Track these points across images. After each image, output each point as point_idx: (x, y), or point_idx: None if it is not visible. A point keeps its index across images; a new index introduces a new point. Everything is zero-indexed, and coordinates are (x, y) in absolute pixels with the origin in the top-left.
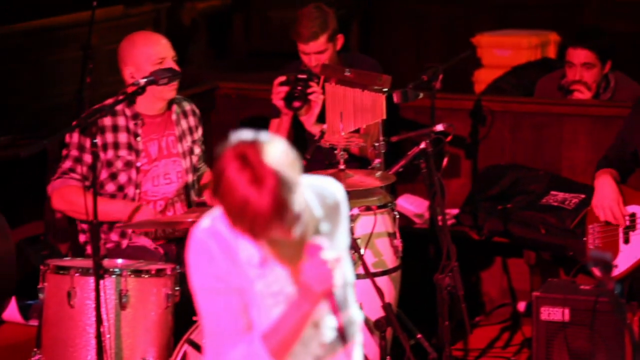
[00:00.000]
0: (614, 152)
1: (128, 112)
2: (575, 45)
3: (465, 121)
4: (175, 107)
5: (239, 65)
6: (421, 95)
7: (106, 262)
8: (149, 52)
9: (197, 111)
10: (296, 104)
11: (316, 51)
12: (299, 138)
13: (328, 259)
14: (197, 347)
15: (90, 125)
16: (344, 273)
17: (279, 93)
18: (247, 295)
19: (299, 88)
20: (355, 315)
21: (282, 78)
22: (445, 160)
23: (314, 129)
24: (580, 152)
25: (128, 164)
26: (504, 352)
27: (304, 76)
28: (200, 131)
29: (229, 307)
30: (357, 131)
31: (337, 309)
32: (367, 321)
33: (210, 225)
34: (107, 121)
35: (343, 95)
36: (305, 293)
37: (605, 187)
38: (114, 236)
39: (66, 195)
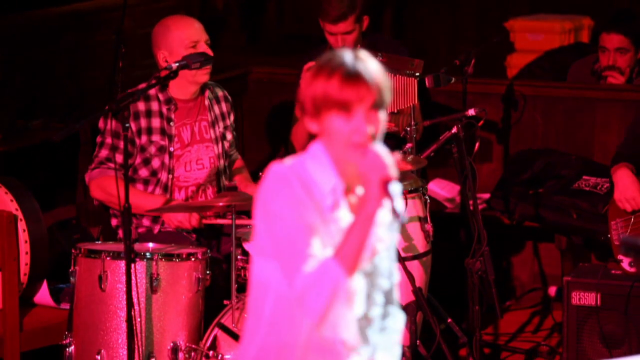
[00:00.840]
0: (625, 148)
1: (161, 96)
2: (608, 31)
3: (497, 106)
4: (208, 93)
5: (272, 50)
6: (453, 79)
7: (137, 246)
8: (182, 36)
9: (230, 97)
10: None
11: (344, 31)
12: None
13: (379, 151)
14: (228, 331)
15: (122, 109)
16: (391, 267)
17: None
18: (320, 234)
19: None
20: (398, 317)
21: (311, 63)
22: (476, 145)
23: None
24: (613, 136)
25: (161, 149)
26: (535, 337)
27: None
28: (232, 117)
29: (303, 232)
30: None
31: (392, 198)
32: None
33: (290, 164)
34: (141, 106)
35: None
36: (364, 186)
37: (626, 179)
38: (146, 221)
39: (105, 186)
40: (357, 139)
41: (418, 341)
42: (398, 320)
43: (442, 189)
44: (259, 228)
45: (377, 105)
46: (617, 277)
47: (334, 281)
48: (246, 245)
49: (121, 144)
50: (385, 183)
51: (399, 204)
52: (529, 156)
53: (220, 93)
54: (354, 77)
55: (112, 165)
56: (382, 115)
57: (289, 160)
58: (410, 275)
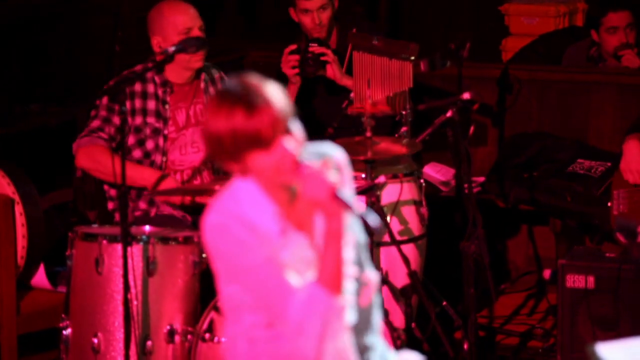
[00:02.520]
0: None
1: (157, 79)
2: (616, 9)
3: (492, 89)
4: (204, 75)
5: (269, 34)
6: (448, 63)
7: (134, 230)
8: (175, 22)
9: (226, 79)
10: (309, 69)
11: (319, 6)
12: (324, 108)
13: (314, 169)
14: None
15: (119, 91)
16: (355, 232)
17: (289, 62)
18: (282, 263)
19: (310, 55)
20: (372, 277)
21: (293, 47)
22: (471, 129)
23: (346, 81)
24: (608, 120)
25: (155, 131)
26: (529, 320)
27: (315, 43)
28: None
29: (271, 269)
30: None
31: (346, 204)
32: (392, 289)
33: (222, 209)
34: (137, 87)
35: (370, 63)
36: (317, 208)
37: (634, 150)
38: (142, 204)
39: (92, 154)
40: (286, 169)
41: (413, 324)
42: (372, 287)
43: (437, 172)
44: (223, 282)
45: (289, 124)
46: (611, 260)
47: (325, 307)
48: None
49: (115, 119)
50: (334, 195)
51: (358, 205)
52: (524, 140)
53: (216, 74)
54: (258, 109)
55: (102, 135)
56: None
57: (217, 206)
58: (406, 259)
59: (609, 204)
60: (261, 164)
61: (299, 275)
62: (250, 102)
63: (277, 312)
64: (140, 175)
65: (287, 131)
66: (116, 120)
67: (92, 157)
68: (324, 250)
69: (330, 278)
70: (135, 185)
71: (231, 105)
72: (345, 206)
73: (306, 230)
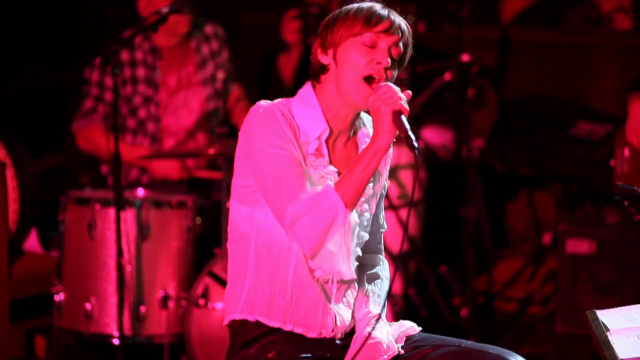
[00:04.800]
0: None
1: (146, 45)
2: None
3: (491, 52)
4: (195, 33)
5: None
6: (447, 25)
7: (127, 194)
8: None
9: (221, 32)
10: (312, 34)
11: None
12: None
13: (396, 87)
14: (219, 280)
15: (110, 57)
16: (380, 216)
17: (290, 27)
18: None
19: (312, 21)
20: (384, 265)
21: (293, 12)
22: (470, 92)
23: None
24: (609, 83)
25: (147, 99)
26: (528, 285)
27: (316, 8)
28: (224, 54)
29: (294, 164)
30: None
31: (406, 131)
32: (390, 254)
33: (277, 103)
34: (125, 55)
35: None
36: (375, 118)
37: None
38: (134, 172)
39: (91, 138)
40: (373, 70)
41: (411, 289)
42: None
43: (436, 136)
44: (241, 168)
45: (399, 46)
46: (612, 225)
47: (332, 209)
48: None
49: (107, 95)
50: (398, 115)
51: (413, 135)
52: (524, 103)
53: (209, 30)
54: (383, 13)
55: (97, 116)
56: (395, 66)
57: (272, 102)
58: (404, 224)
59: (611, 163)
60: (355, 57)
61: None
62: (379, 8)
63: (282, 201)
64: (136, 155)
65: (396, 47)
66: (108, 96)
67: (91, 141)
68: (359, 159)
69: (350, 187)
70: (132, 163)
71: (361, 6)
72: (403, 129)
73: (341, 168)
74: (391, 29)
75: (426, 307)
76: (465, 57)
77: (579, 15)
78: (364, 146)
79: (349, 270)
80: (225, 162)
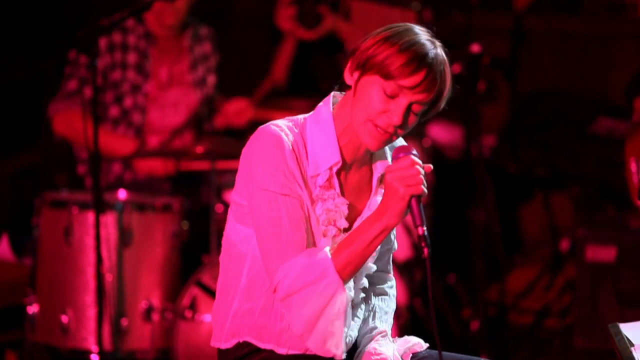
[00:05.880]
0: None
1: (140, 29)
2: None
3: (504, 41)
4: (190, 32)
5: None
6: (456, 12)
7: (107, 196)
8: None
9: (213, 36)
10: (308, 21)
11: None
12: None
13: (419, 161)
14: (207, 290)
15: (91, 42)
16: (390, 235)
17: (286, 14)
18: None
19: (309, 7)
20: (392, 283)
21: None
22: (481, 85)
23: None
24: (630, 75)
25: (135, 88)
26: (545, 296)
27: None
28: (215, 59)
29: (293, 213)
30: None
31: (421, 218)
32: (394, 262)
33: (289, 127)
34: (117, 38)
35: (369, 12)
36: (388, 194)
37: None
38: (116, 167)
39: (71, 122)
40: (383, 122)
41: (417, 299)
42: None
43: (443, 133)
44: (241, 185)
45: (424, 105)
46: (636, 230)
47: (330, 289)
48: (228, 196)
49: (82, 72)
50: (416, 201)
51: (423, 221)
52: (539, 97)
53: (203, 32)
54: (423, 65)
55: (79, 99)
56: (416, 119)
57: (287, 122)
58: (408, 229)
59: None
60: (371, 96)
61: (317, 238)
62: (423, 54)
63: (273, 261)
64: (118, 144)
65: (420, 105)
66: (98, 80)
67: (71, 124)
68: (360, 233)
69: (349, 265)
70: (112, 154)
71: (408, 43)
72: (418, 218)
73: (353, 199)
74: (420, 85)
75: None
76: (475, 48)
77: (599, 1)
78: (378, 175)
79: (338, 350)
80: (213, 162)
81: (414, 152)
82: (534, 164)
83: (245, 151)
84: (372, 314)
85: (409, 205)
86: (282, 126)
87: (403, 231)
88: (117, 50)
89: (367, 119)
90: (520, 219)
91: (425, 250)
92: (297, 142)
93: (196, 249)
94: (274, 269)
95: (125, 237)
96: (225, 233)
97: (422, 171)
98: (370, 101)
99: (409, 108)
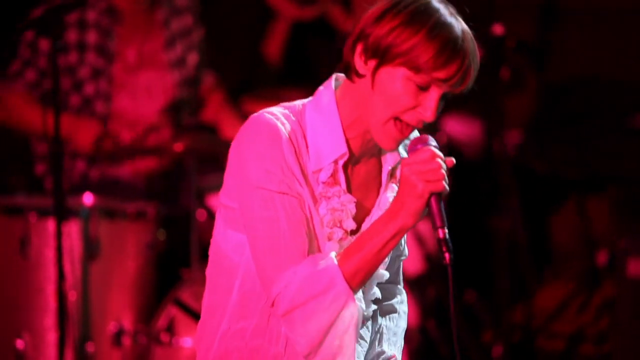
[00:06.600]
0: None
1: (102, 4)
2: None
3: (531, 21)
4: (165, 2)
5: None
6: None
7: (71, 200)
8: None
9: (196, 6)
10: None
11: None
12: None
13: (440, 153)
14: (187, 309)
15: (52, 21)
16: (401, 241)
17: None
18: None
19: None
20: (403, 297)
21: None
22: (504, 72)
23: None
24: None
25: (96, 72)
26: (578, 318)
27: None
28: (198, 33)
29: (292, 214)
30: None
31: (442, 218)
32: (404, 277)
33: (285, 115)
34: (71, 15)
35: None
36: (404, 191)
37: None
38: (81, 165)
39: (8, 105)
40: (412, 119)
41: (430, 322)
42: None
43: (461, 128)
44: (231, 184)
45: (453, 92)
46: None
47: (339, 302)
48: (211, 201)
49: (40, 61)
50: (437, 199)
51: (445, 223)
52: (572, 86)
53: (181, 2)
54: (457, 52)
55: (22, 81)
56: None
57: (282, 109)
58: (420, 239)
59: None
60: (396, 90)
61: (321, 242)
62: (456, 41)
63: (270, 272)
64: (78, 130)
65: (448, 93)
66: (42, 62)
67: (7, 107)
68: (371, 235)
69: (358, 273)
70: (72, 143)
71: (435, 26)
72: (439, 217)
73: (361, 196)
74: (456, 75)
75: (448, 344)
76: (497, 29)
77: None
78: (389, 168)
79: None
80: (194, 162)
81: (434, 142)
82: (565, 163)
83: (235, 144)
84: (379, 335)
85: (427, 204)
86: (278, 114)
87: (413, 241)
88: (72, 28)
89: (391, 116)
90: (550, 228)
91: (447, 256)
92: (296, 132)
93: (174, 262)
94: (271, 279)
95: (91, 249)
96: (213, 242)
97: (444, 165)
98: (398, 97)
99: (440, 100)
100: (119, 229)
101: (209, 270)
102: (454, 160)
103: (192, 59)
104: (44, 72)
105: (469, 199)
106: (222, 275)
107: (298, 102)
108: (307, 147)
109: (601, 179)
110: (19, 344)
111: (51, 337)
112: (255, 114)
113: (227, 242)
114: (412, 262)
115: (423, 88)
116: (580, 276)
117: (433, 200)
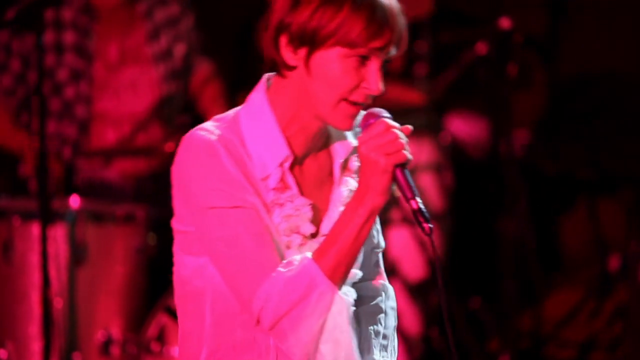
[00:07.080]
0: None
1: (78, 2)
2: None
3: (540, 14)
4: None
5: None
6: None
7: (56, 203)
8: None
9: None
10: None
11: None
12: None
13: (394, 123)
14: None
15: (33, 17)
16: (372, 232)
17: None
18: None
19: None
20: (388, 293)
21: None
22: (512, 68)
23: None
24: None
25: (76, 75)
26: (589, 325)
27: None
28: (187, 21)
29: (252, 226)
30: None
31: (411, 189)
32: (405, 283)
33: (217, 128)
34: (47, 14)
35: None
36: (365, 169)
37: None
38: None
39: None
40: (359, 96)
41: (433, 330)
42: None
43: (466, 127)
44: (179, 209)
45: (390, 58)
46: None
47: (325, 300)
48: None
49: (13, 64)
50: (401, 170)
51: (415, 193)
52: (583, 83)
53: None
54: (386, 17)
55: None
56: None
57: (214, 122)
58: (423, 243)
59: None
60: (337, 72)
61: (285, 249)
62: (383, 6)
63: (245, 287)
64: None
65: (387, 61)
66: (15, 65)
67: None
68: (343, 225)
69: (339, 267)
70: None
71: None
72: (407, 189)
73: (314, 198)
74: (391, 42)
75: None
76: (504, 23)
77: None
78: (340, 161)
79: None
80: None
81: (386, 114)
82: (575, 164)
83: (175, 169)
84: (367, 343)
85: (394, 178)
86: (210, 128)
87: (414, 246)
88: (49, 30)
89: (339, 99)
90: (560, 231)
91: (426, 226)
92: (233, 142)
93: (165, 267)
94: (248, 298)
95: (78, 254)
96: (174, 270)
97: (402, 134)
98: (339, 78)
99: (381, 70)
100: (107, 233)
101: (177, 300)
102: (410, 127)
103: (180, 50)
104: (19, 76)
105: (474, 201)
106: (190, 303)
107: (230, 112)
108: (249, 155)
109: (613, 180)
110: (2, 353)
111: (36, 346)
112: (187, 134)
113: (186, 268)
114: (414, 268)
115: (362, 62)
116: (591, 281)
117: (398, 173)
